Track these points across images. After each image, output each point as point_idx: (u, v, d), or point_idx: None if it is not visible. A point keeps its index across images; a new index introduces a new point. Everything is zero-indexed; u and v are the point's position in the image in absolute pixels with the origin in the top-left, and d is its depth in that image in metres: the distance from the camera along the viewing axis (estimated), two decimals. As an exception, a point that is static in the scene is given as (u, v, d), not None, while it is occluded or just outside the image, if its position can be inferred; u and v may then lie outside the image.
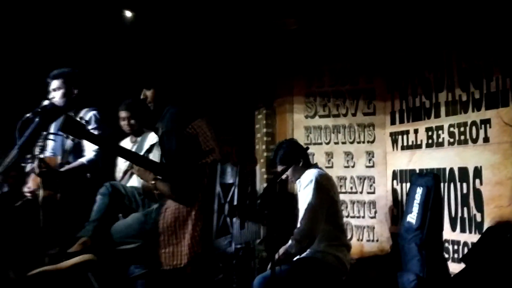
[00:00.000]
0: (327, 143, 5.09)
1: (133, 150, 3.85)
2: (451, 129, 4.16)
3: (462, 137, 4.06)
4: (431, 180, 3.73)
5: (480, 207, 3.85)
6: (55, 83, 3.69)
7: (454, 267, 3.85)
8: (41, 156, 3.44)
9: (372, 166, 4.92)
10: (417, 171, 4.42)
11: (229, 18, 4.73)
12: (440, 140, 4.26)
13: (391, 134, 4.81)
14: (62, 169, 3.53)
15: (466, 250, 3.91)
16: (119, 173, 4.12)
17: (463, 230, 3.99)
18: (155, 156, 2.99)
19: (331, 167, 4.98)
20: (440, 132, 4.27)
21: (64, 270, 2.67)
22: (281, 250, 3.32)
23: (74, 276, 2.74)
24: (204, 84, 5.23)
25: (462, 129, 4.06)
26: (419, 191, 3.76)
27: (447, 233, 4.00)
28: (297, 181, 3.51)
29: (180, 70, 2.93)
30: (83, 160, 3.60)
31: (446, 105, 4.23)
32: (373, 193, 4.90)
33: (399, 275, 3.74)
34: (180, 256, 2.71)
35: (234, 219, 4.46)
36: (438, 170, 4.19)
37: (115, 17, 4.74)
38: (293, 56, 5.19)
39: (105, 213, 2.93)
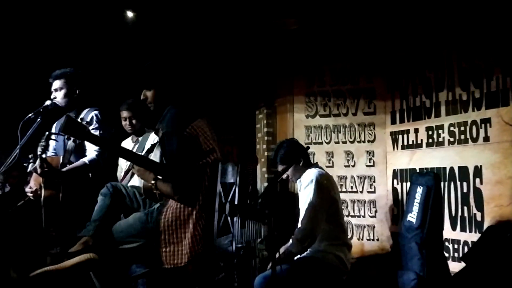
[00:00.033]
0: (328, 143, 5.10)
1: (134, 150, 3.87)
2: (452, 128, 4.17)
3: (463, 137, 4.06)
4: (432, 179, 3.73)
5: (480, 206, 3.86)
6: (57, 83, 3.70)
7: (454, 266, 3.86)
8: (43, 156, 3.43)
9: (373, 166, 4.92)
10: (418, 171, 4.42)
11: (230, 19, 4.74)
12: (441, 139, 4.27)
13: (392, 133, 4.81)
14: (64, 169, 3.53)
15: (466, 249, 3.92)
16: (120, 172, 4.13)
17: (463, 229, 4.00)
18: (156, 156, 2.99)
19: (332, 166, 4.99)
20: (440, 131, 4.27)
21: (65, 269, 2.67)
22: (282, 250, 3.34)
23: (76, 275, 2.75)
24: (205, 84, 5.24)
25: (462, 128, 4.07)
26: (420, 190, 3.76)
27: (447, 232, 4.01)
28: (298, 181, 3.51)
29: (180, 71, 2.93)
30: (85, 160, 3.60)
31: (446, 104, 4.23)
32: (374, 192, 4.90)
33: (400, 274, 3.75)
34: (181, 255, 2.71)
35: (235, 219, 4.46)
36: (438, 170, 4.20)
37: (116, 18, 4.75)
38: (294, 56, 5.19)
39: (106, 213, 2.95)
